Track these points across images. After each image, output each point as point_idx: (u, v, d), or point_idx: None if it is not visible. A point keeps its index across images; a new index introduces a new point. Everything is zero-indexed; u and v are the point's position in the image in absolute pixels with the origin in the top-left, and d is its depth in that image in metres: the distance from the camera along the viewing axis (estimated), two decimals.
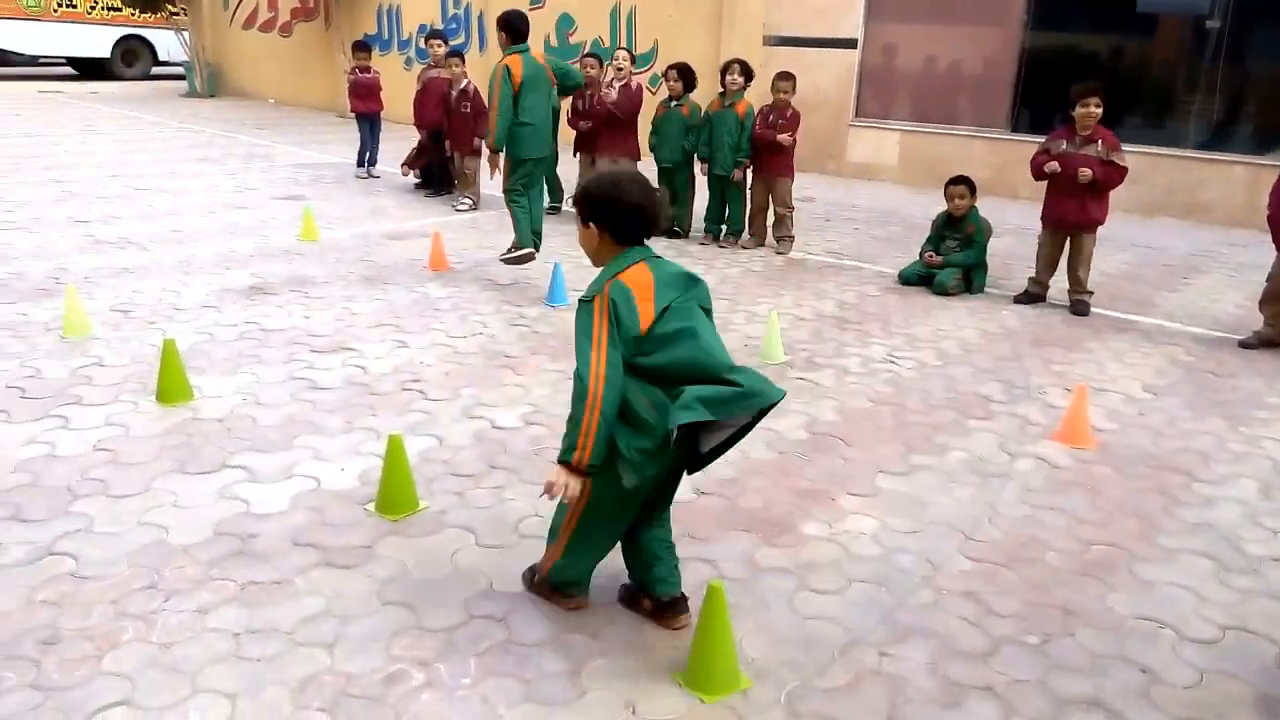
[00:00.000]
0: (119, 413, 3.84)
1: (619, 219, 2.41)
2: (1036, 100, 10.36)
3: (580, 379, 2.24)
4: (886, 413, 4.24)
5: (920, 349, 5.14)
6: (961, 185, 6.37)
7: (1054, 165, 5.80)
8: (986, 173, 10.61)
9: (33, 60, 22.04)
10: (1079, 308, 5.98)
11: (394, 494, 3.17)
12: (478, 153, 8.62)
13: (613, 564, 2.67)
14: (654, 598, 2.61)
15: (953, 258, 6.36)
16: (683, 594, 2.63)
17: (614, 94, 7.75)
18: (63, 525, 2.99)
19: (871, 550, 3.06)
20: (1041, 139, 9.41)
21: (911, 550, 3.08)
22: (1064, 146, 5.86)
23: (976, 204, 6.43)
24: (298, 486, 3.32)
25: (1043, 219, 6.14)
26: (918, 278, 6.49)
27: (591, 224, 2.43)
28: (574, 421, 2.24)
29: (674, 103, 7.57)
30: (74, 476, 3.30)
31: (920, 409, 4.30)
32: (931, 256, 6.46)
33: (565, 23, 13.37)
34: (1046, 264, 6.14)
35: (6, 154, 10.43)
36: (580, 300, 2.37)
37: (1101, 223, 5.95)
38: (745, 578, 2.87)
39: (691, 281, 2.46)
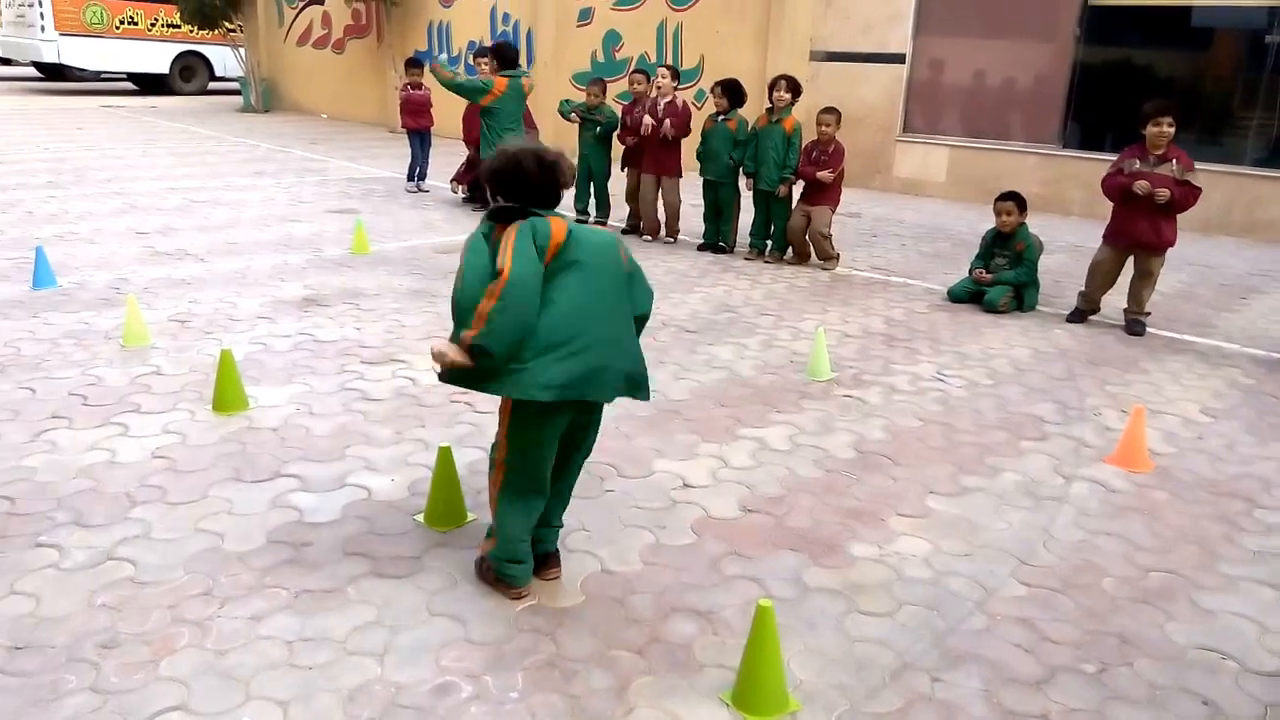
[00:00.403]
0: (176, 421, 3.93)
1: (524, 193, 2.62)
2: (1089, 116, 10.22)
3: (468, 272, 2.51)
4: (936, 432, 4.19)
5: (970, 367, 5.08)
6: (1009, 201, 6.30)
7: (1144, 184, 5.54)
8: (1037, 189, 10.47)
9: (95, 75, 22.74)
10: (1135, 328, 5.86)
11: (443, 506, 3.20)
12: None
13: (650, 581, 2.66)
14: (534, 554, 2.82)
15: (1003, 275, 6.28)
16: (557, 549, 2.93)
17: (650, 121, 7.75)
18: (122, 531, 3.05)
19: (922, 573, 3.02)
20: (1094, 155, 9.29)
21: (963, 574, 3.03)
22: (1137, 166, 5.69)
23: (1026, 221, 6.34)
24: (349, 496, 3.36)
25: (1107, 236, 5.97)
26: (967, 295, 6.41)
27: (500, 199, 2.65)
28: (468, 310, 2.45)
29: (720, 117, 7.55)
30: (133, 483, 3.38)
31: (971, 429, 4.24)
32: (981, 273, 6.38)
33: (612, 39, 13.47)
34: (1103, 282, 6.02)
35: (70, 167, 10.75)
36: (481, 233, 2.58)
37: (1172, 244, 5.82)
38: (793, 598, 2.85)
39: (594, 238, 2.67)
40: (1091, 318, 6.11)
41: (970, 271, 6.50)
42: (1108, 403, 4.66)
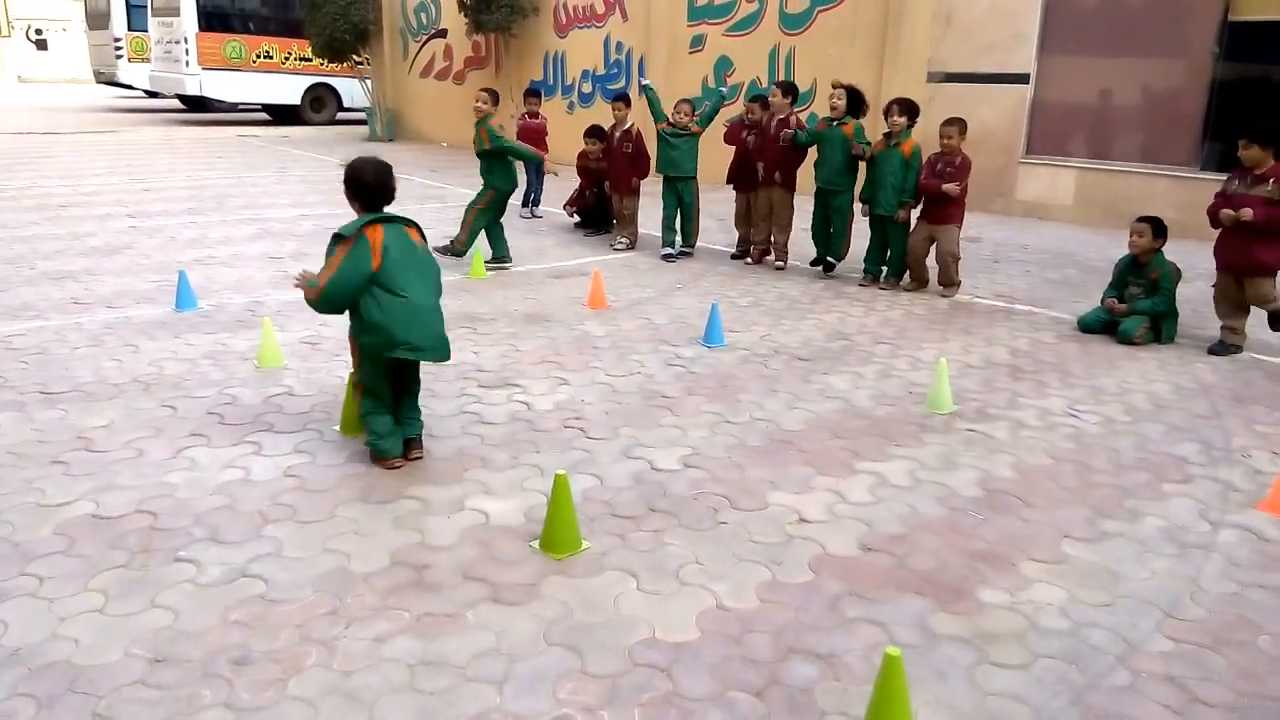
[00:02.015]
0: (306, 441, 4.07)
1: (363, 194, 3.83)
2: (1228, 136, 9.63)
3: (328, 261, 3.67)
4: (1069, 471, 3.98)
5: (1105, 403, 4.82)
6: (1143, 224, 6.01)
7: (1228, 214, 5.59)
8: (1173, 213, 9.89)
9: (233, 107, 24.14)
10: (1220, 349, 5.74)
11: (558, 533, 3.20)
12: (636, 193, 8.75)
13: (768, 619, 2.59)
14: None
15: (1139, 304, 5.96)
16: (419, 437, 3.94)
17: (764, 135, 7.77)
18: (255, 548, 3.17)
19: (1059, 623, 2.86)
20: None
21: (1104, 625, 2.85)
22: (1235, 186, 5.64)
23: (1164, 249, 6.01)
24: (468, 520, 3.41)
25: (1217, 262, 5.89)
26: (1099, 325, 6.11)
27: (349, 198, 3.86)
28: (317, 280, 3.64)
29: (835, 122, 7.31)
30: (265, 501, 3.51)
31: (1108, 469, 4.01)
32: (1114, 303, 6.07)
33: (723, 65, 13.50)
34: (1229, 309, 5.77)
35: (209, 194, 11.39)
36: (335, 234, 3.68)
37: (1273, 266, 5.60)
38: (919, 645, 2.73)
39: (406, 230, 3.83)
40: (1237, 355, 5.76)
41: (1103, 300, 6.20)
42: (1257, 443, 4.35)
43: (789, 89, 7.82)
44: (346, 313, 3.72)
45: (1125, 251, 6.17)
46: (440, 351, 3.77)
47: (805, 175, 7.83)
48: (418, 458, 3.89)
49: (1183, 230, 9.78)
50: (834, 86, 7.43)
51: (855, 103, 7.32)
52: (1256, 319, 5.88)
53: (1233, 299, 5.82)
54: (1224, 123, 9.65)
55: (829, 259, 7.74)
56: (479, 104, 7.60)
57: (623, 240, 8.83)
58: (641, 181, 8.78)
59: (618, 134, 8.83)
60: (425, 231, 4.01)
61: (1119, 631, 2.83)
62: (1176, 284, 6.00)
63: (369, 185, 3.80)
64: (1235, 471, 4.03)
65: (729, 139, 8.17)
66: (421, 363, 3.86)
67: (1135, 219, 6.13)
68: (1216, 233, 5.87)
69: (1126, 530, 3.47)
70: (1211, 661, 2.70)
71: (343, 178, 3.84)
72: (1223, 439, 4.40)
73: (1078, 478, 3.92)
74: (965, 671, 2.61)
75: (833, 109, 7.40)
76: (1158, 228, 5.99)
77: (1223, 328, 5.85)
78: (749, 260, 8.21)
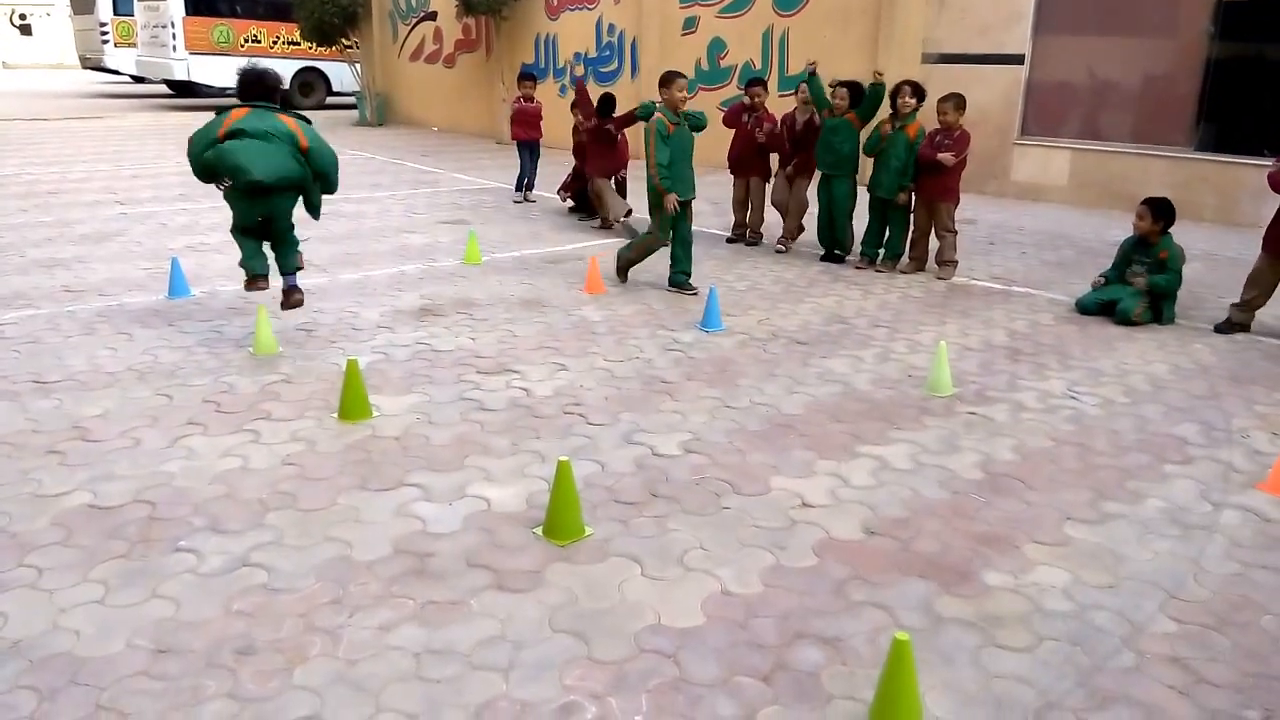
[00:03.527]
0: (304, 429, 4.04)
1: (240, 90, 5.01)
2: (1223, 116, 9.65)
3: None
4: (1070, 453, 3.98)
5: (1104, 384, 4.82)
6: (1144, 206, 6.01)
7: None
8: (1167, 193, 9.88)
9: (221, 92, 23.90)
10: (1226, 327, 5.63)
11: (562, 519, 3.19)
12: (607, 176, 8.73)
13: (773, 604, 2.57)
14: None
15: (1154, 279, 5.88)
16: (295, 285, 5.16)
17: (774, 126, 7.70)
18: (256, 537, 3.15)
19: (1063, 605, 2.86)
20: (1229, 158, 8.80)
21: (1108, 607, 2.85)
22: None
23: (1171, 231, 5.98)
24: (470, 507, 3.39)
25: (1267, 243, 5.69)
26: (1097, 306, 6.10)
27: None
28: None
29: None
30: (265, 489, 3.48)
31: (1108, 451, 4.01)
32: (1099, 280, 6.08)
33: (717, 46, 13.41)
34: (1265, 292, 5.69)
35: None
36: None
37: None
38: (925, 628, 2.73)
39: (269, 120, 4.84)
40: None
41: (1103, 279, 6.18)
42: (1256, 424, 4.36)
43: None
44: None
45: (1121, 233, 6.17)
46: (263, 171, 4.70)
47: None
48: (298, 301, 5.13)
49: (1178, 210, 9.79)
50: (833, 85, 7.36)
51: (857, 97, 7.22)
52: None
53: (1273, 286, 5.71)
54: (1219, 103, 9.64)
55: (835, 251, 7.67)
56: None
57: (595, 220, 8.87)
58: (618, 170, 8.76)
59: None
60: (310, 121, 5.05)
61: (1123, 613, 2.83)
62: (1182, 266, 5.97)
63: (242, 83, 5.03)
64: (1235, 452, 4.04)
65: (728, 121, 8.10)
66: (284, 227, 5.07)
67: (1141, 200, 6.11)
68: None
69: (1128, 512, 3.47)
70: (1216, 642, 2.71)
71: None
72: (1222, 420, 4.40)
73: (1079, 459, 3.92)
74: (971, 654, 2.61)
75: (837, 110, 7.33)
76: (1159, 209, 5.97)
77: (1236, 307, 5.81)
78: (781, 248, 8.14)
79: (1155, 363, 5.21)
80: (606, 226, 8.74)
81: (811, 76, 7.45)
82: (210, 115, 5.01)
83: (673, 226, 6.42)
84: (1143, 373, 5.03)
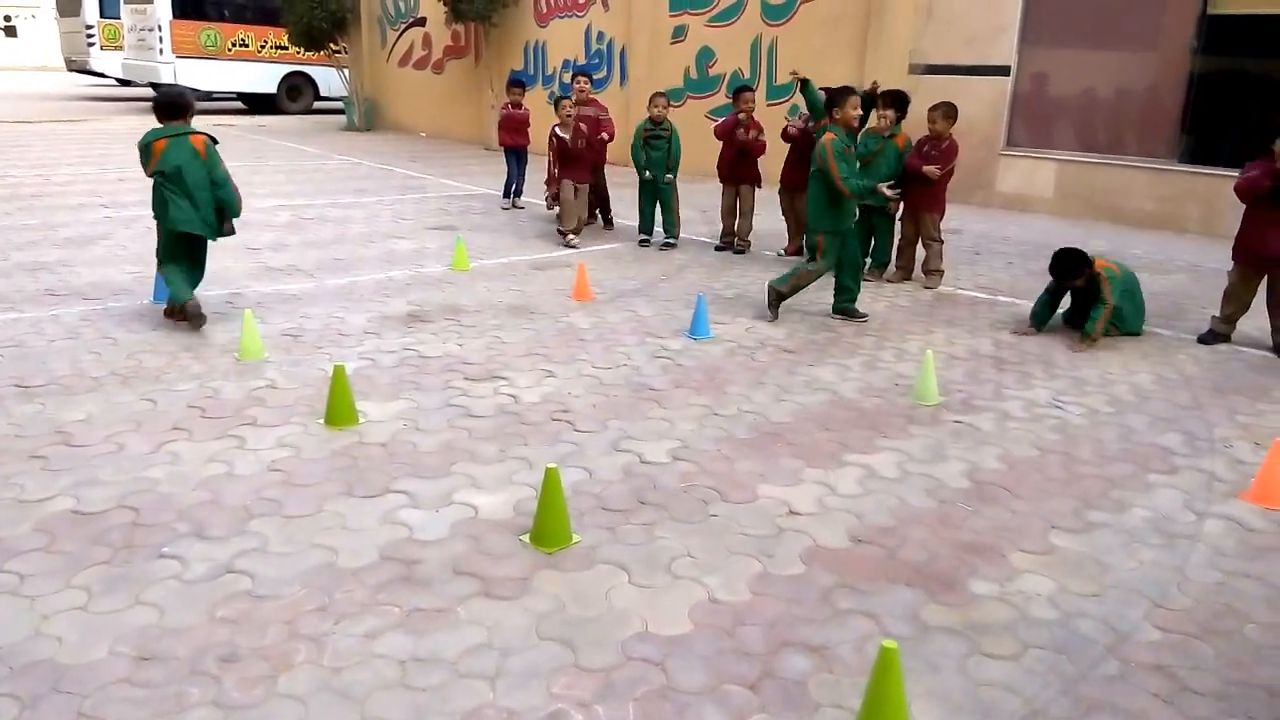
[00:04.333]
0: (290, 435, 4.02)
1: (158, 110, 5.47)
2: (1206, 129, 9.74)
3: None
4: (1055, 462, 4.00)
5: (1089, 394, 4.85)
6: (1057, 266, 5.69)
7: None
8: (1152, 205, 10.05)
9: (207, 96, 23.80)
10: (1209, 338, 5.67)
11: (549, 527, 3.18)
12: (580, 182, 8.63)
13: (760, 612, 2.58)
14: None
15: (1094, 314, 5.66)
16: (191, 299, 5.36)
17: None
18: (240, 544, 3.13)
19: (1049, 614, 2.87)
20: (1211, 170, 8.89)
21: (1093, 616, 2.87)
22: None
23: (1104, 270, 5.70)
24: (457, 514, 3.38)
25: (1237, 254, 5.74)
26: (1046, 315, 5.96)
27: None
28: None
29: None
30: (250, 496, 3.46)
31: (1093, 460, 4.04)
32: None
33: (705, 55, 13.45)
34: (1240, 305, 5.74)
35: None
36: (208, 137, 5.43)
37: None
38: (912, 636, 2.73)
39: (184, 148, 5.37)
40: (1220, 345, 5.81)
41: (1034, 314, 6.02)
42: (1239, 434, 4.39)
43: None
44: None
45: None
46: (197, 228, 5.36)
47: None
48: (197, 319, 5.33)
49: (1161, 222, 9.91)
50: (881, 97, 7.12)
51: (902, 105, 7.15)
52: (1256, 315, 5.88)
53: (1247, 297, 5.73)
54: (1202, 115, 9.74)
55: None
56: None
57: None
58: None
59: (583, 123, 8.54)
60: (214, 139, 5.50)
61: (1108, 621, 2.84)
62: (1123, 286, 5.74)
63: (159, 104, 5.51)
64: (1218, 462, 4.07)
65: (719, 134, 8.14)
66: (208, 245, 5.60)
67: (1051, 261, 5.83)
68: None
69: (1113, 521, 3.50)
70: (1200, 650, 2.72)
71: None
72: (1205, 429, 4.44)
73: (1064, 469, 3.94)
74: (957, 662, 2.62)
75: (881, 120, 7.28)
76: (1072, 263, 5.69)
77: (1220, 318, 5.86)
78: (782, 252, 8.17)
79: (1139, 373, 5.24)
80: (562, 235, 8.61)
81: (805, 84, 7.46)
82: (200, 120, 5.00)
83: (839, 254, 6.01)
84: (1127, 383, 5.06)
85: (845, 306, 6.20)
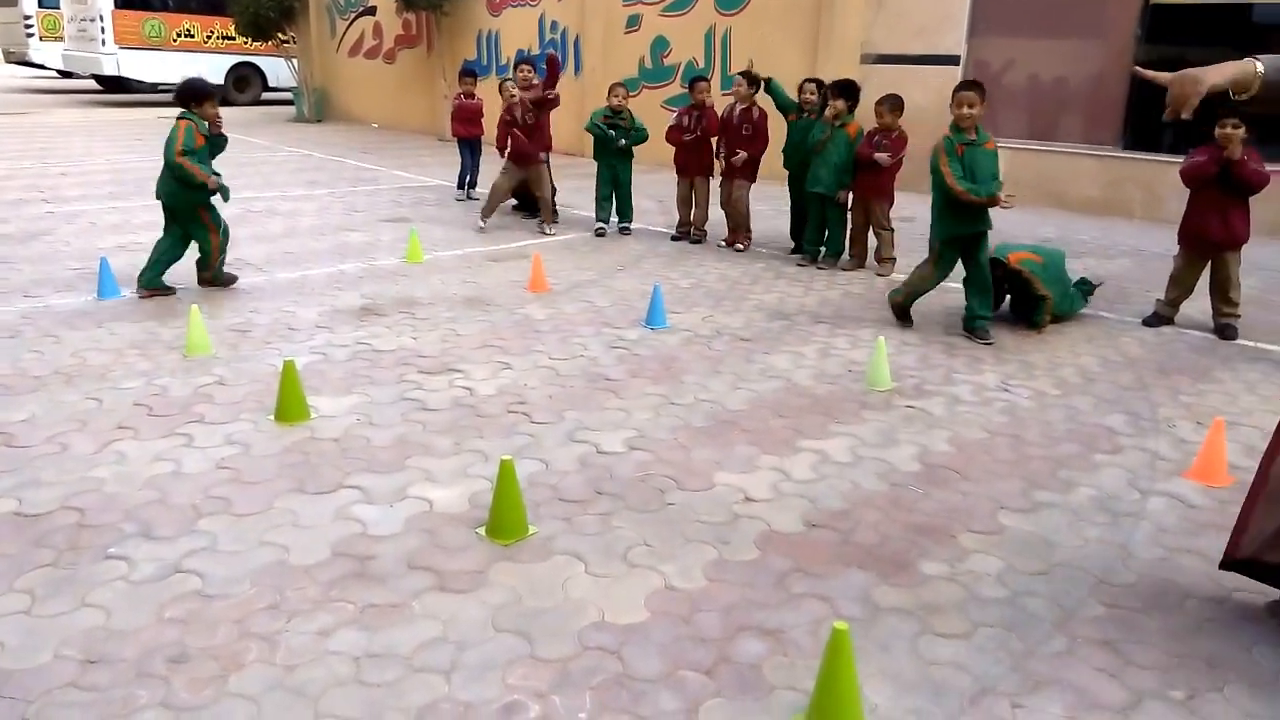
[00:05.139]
0: (239, 431, 3.96)
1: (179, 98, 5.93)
2: (1150, 116, 9.95)
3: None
4: (1004, 444, 4.07)
5: (1037, 377, 4.94)
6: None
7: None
8: (1097, 191, 10.25)
9: (152, 88, 23.28)
10: (1228, 332, 5.75)
11: (505, 519, 3.17)
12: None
13: (716, 598, 2.60)
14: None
15: (1038, 317, 5.75)
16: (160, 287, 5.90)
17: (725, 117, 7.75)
18: (189, 543, 3.07)
19: (997, 592, 2.93)
20: (1155, 156, 9.09)
21: (1041, 594, 2.93)
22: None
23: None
24: (411, 508, 3.35)
25: (1182, 239, 5.89)
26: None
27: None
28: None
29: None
30: (198, 494, 3.40)
31: (1041, 441, 4.12)
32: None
33: (660, 45, 13.44)
34: (1185, 289, 5.89)
35: (131, 178, 11.00)
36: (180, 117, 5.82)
37: (1245, 240, 5.73)
38: (864, 618, 2.77)
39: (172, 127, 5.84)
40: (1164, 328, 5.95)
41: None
42: (1182, 414, 4.51)
43: (754, 79, 7.66)
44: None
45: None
46: (160, 196, 6.03)
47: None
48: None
49: (1105, 208, 10.11)
50: (832, 88, 7.36)
51: (851, 94, 7.26)
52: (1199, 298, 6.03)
53: (1191, 282, 5.89)
54: (1145, 104, 9.94)
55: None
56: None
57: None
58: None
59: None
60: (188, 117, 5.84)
61: (1055, 599, 2.91)
62: (1045, 274, 5.79)
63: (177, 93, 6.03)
64: (1162, 441, 4.17)
65: (670, 139, 8.16)
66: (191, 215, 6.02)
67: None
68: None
69: (1060, 500, 3.57)
70: (1143, 624, 2.79)
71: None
72: (1149, 410, 4.55)
73: (1012, 450, 4.02)
74: (908, 642, 2.66)
75: (805, 104, 7.51)
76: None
77: (1165, 301, 6.01)
78: (722, 244, 8.19)
79: (1085, 356, 5.35)
80: (541, 219, 8.67)
81: (770, 81, 7.59)
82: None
83: (959, 263, 5.61)
84: (1073, 365, 5.17)
85: (975, 326, 5.60)
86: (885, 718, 2.35)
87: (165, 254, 6.01)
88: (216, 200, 6.07)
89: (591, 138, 8.50)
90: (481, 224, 8.53)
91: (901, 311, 5.83)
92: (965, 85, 5.56)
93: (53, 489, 3.41)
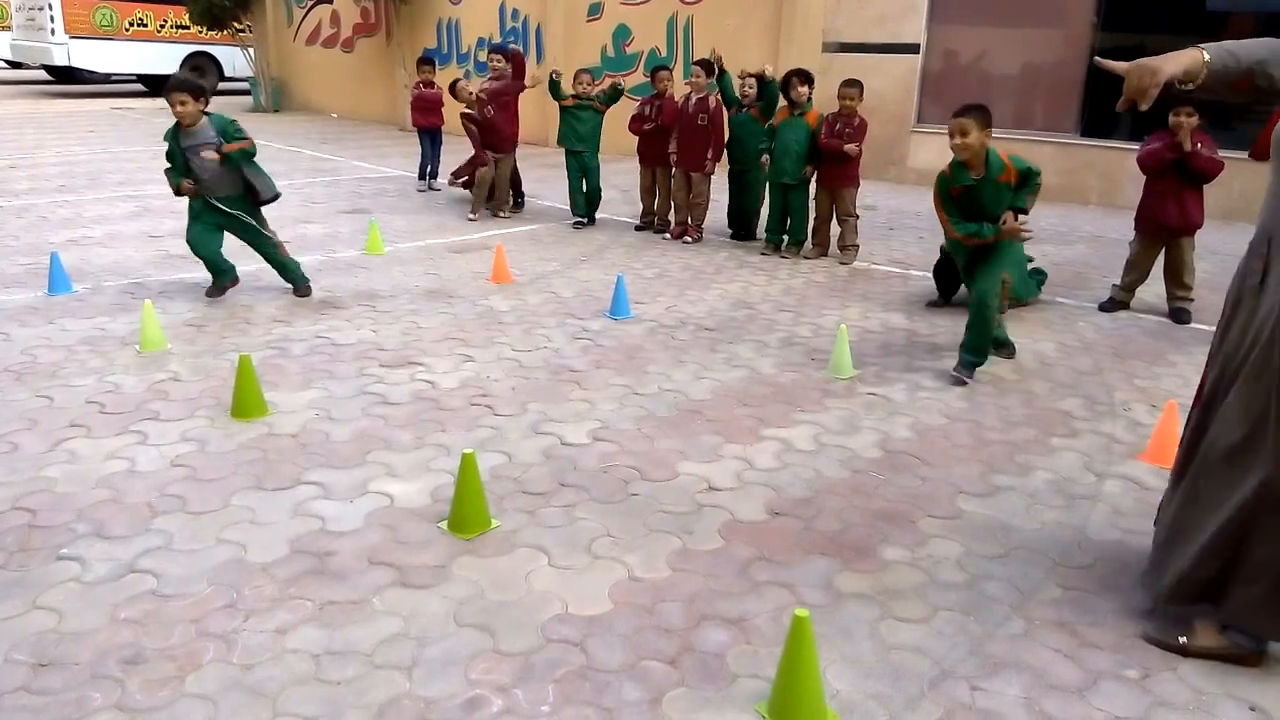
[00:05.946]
0: (195, 428, 3.89)
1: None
2: (1107, 103, 10.07)
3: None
4: (963, 430, 4.12)
5: (996, 362, 5.00)
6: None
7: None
8: (1056, 178, 10.36)
9: (105, 78, 22.77)
10: (1182, 316, 5.85)
11: (467, 512, 3.15)
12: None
13: (679, 588, 2.60)
14: None
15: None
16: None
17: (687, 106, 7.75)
18: (144, 542, 3.02)
19: (956, 576, 2.96)
20: (1112, 143, 9.21)
21: (999, 577, 2.97)
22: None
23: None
24: (372, 504, 3.32)
25: (1139, 224, 5.99)
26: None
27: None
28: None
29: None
30: (153, 493, 3.34)
31: (999, 426, 4.17)
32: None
33: (622, 34, 13.39)
34: (1141, 274, 5.99)
35: (83, 170, 10.75)
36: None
37: (1200, 226, 5.83)
38: (826, 604, 2.79)
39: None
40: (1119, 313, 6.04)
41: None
42: (1137, 397, 4.58)
43: (710, 68, 7.65)
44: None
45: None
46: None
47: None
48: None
49: (1063, 195, 10.24)
50: (742, 76, 7.51)
51: (762, 88, 7.37)
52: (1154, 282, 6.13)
53: (1147, 266, 6.01)
54: (1102, 90, 10.07)
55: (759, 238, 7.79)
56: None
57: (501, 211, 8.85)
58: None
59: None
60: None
61: (1012, 581, 2.95)
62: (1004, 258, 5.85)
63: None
64: (1117, 424, 4.24)
65: (632, 128, 8.13)
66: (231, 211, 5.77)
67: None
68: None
69: (1017, 484, 3.62)
70: (1098, 606, 2.84)
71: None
72: (1105, 394, 4.62)
73: (971, 436, 4.06)
74: (869, 627, 2.68)
75: (744, 96, 7.51)
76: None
77: (1121, 286, 6.11)
78: (667, 235, 8.16)
79: (1042, 340, 5.43)
80: (500, 207, 8.73)
81: (721, 74, 7.58)
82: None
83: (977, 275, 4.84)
84: (1031, 350, 5.23)
85: (960, 360, 4.77)
86: (846, 703, 2.37)
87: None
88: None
89: (556, 128, 8.47)
90: (504, 213, 8.74)
91: (999, 344, 5.02)
92: (959, 112, 4.85)
93: (2, 489, 3.33)
